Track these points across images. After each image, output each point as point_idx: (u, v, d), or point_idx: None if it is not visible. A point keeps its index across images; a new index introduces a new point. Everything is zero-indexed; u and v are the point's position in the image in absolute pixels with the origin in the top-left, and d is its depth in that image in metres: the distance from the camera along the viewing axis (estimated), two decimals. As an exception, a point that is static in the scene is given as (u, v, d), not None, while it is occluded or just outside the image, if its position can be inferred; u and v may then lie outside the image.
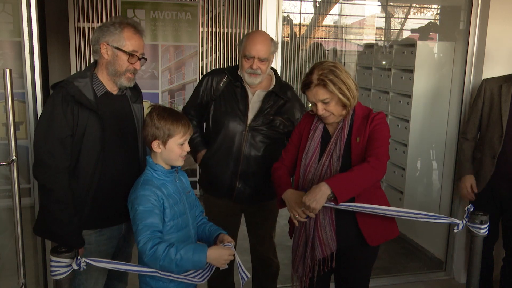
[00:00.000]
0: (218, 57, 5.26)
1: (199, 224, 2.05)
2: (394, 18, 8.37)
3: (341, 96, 2.00)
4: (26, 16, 2.43)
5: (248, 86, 2.49)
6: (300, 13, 7.33)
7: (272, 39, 2.49)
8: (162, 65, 4.95)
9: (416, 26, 4.84)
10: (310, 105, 2.12)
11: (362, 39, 7.40)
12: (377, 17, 7.66)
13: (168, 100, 5.02)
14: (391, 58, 4.32)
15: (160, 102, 4.92)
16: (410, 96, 3.98)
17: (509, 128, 2.82)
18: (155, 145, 1.84)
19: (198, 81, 4.88)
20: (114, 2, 4.80)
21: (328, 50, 7.05)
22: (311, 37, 7.20)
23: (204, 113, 2.59)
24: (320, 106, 2.03)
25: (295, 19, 7.22)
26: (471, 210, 2.07)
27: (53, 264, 1.73)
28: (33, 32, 2.46)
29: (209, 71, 4.93)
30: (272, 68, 2.59)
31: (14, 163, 2.03)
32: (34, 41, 2.47)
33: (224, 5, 5.17)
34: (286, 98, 2.53)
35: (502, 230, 3.02)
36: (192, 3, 4.97)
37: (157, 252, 1.71)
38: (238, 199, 2.53)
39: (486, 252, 2.68)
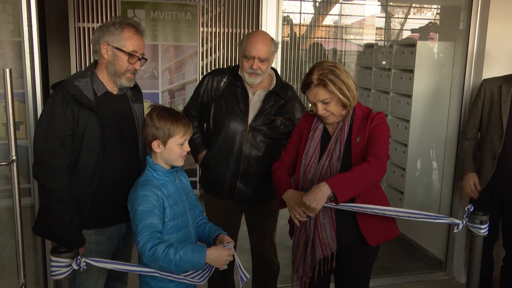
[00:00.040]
0: (218, 57, 5.26)
1: (199, 224, 2.05)
2: (394, 18, 8.37)
3: (341, 96, 2.00)
4: (26, 16, 2.43)
5: (249, 86, 2.49)
6: (300, 13, 7.33)
7: (272, 39, 2.49)
8: (162, 65, 4.95)
9: (416, 26, 4.84)
10: (310, 105, 2.12)
11: (362, 39, 7.40)
12: (377, 17, 7.66)
13: (168, 100, 5.02)
14: (391, 58, 4.32)
15: (160, 102, 4.92)
16: (410, 96, 3.98)
17: (509, 128, 2.82)
18: (155, 145, 1.85)
19: (198, 81, 4.92)
20: (114, 2, 4.81)
21: (328, 50, 7.06)
22: (311, 37, 7.20)
23: (205, 113, 2.59)
24: (320, 106, 2.03)
25: (295, 19, 7.23)
26: (471, 210, 2.07)
27: (53, 264, 1.73)
28: (33, 32, 2.46)
29: (209, 71, 4.93)
30: (272, 68, 2.59)
31: (14, 163, 2.03)
32: (34, 41, 2.47)
33: (224, 5, 5.17)
34: (286, 98, 2.53)
35: (502, 230, 3.02)
36: (192, 3, 4.97)
37: (157, 253, 1.71)
38: (239, 199, 2.53)
39: (486, 252, 2.68)
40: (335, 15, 7.79)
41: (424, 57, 3.94)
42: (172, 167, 1.92)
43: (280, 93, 2.51)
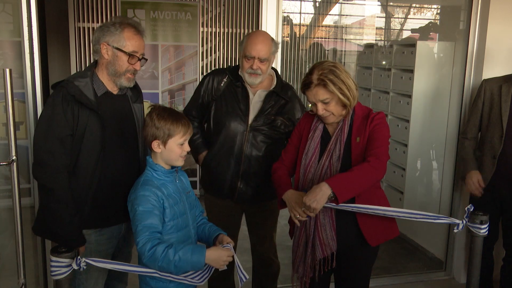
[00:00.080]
0: (218, 57, 5.27)
1: (199, 224, 2.05)
2: (394, 18, 8.37)
3: (341, 96, 2.00)
4: (26, 16, 2.43)
5: (249, 86, 2.49)
6: (300, 13, 7.33)
7: (272, 39, 2.49)
8: (162, 65, 4.95)
9: (416, 26, 4.84)
10: (310, 105, 2.12)
11: (362, 39, 7.40)
12: (377, 17, 7.66)
13: (168, 100, 5.02)
14: (391, 58, 4.32)
15: (160, 102, 4.92)
16: (410, 96, 3.97)
17: (509, 128, 2.82)
18: (155, 145, 1.85)
19: (198, 81, 4.92)
20: (114, 2, 4.81)
21: (328, 50, 7.05)
22: (311, 37, 7.20)
23: (205, 113, 2.59)
24: (320, 106, 2.03)
25: (295, 19, 7.22)
26: (471, 210, 2.07)
27: (53, 264, 1.73)
28: (33, 32, 2.46)
29: (209, 71, 4.92)
30: (273, 68, 2.59)
31: (14, 163, 2.03)
32: (34, 41, 2.47)
33: (224, 5, 5.17)
34: (287, 98, 2.53)
35: (502, 230, 3.02)
36: (192, 3, 4.97)
37: (156, 253, 1.71)
38: (240, 199, 2.53)
39: (486, 252, 2.68)
40: (335, 15, 7.79)
41: (424, 57, 3.94)
42: (172, 167, 1.92)
43: (280, 93, 2.51)
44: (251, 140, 2.46)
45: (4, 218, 2.88)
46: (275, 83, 2.54)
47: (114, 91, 2.08)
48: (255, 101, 2.49)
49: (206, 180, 2.65)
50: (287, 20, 6.80)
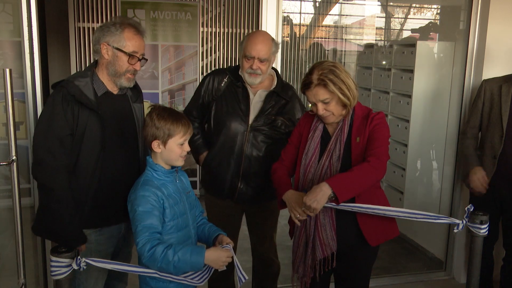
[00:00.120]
0: (218, 57, 5.27)
1: (199, 225, 2.05)
2: (394, 18, 8.37)
3: (341, 96, 2.00)
4: (26, 16, 2.43)
5: (250, 86, 2.49)
6: (300, 13, 7.33)
7: (273, 39, 2.48)
8: (162, 65, 4.95)
9: (416, 26, 4.83)
10: (310, 105, 2.12)
11: (362, 39, 7.40)
12: (377, 17, 7.66)
13: (168, 100, 5.02)
14: (391, 58, 4.32)
15: (160, 102, 4.92)
16: (410, 96, 3.97)
17: (509, 128, 2.82)
18: (155, 145, 1.85)
19: (198, 81, 4.92)
20: (114, 2, 4.81)
21: (328, 50, 7.05)
22: (311, 37, 7.20)
23: (206, 113, 2.59)
24: (320, 106, 2.03)
25: (295, 19, 7.22)
26: (471, 210, 2.07)
27: (53, 264, 1.73)
28: (33, 32, 2.46)
29: (209, 71, 4.92)
30: (273, 68, 2.59)
31: (14, 163, 2.03)
32: (34, 41, 2.47)
33: (224, 5, 5.17)
34: (287, 98, 2.53)
35: (502, 230, 3.02)
36: (192, 3, 4.97)
37: (155, 254, 1.71)
38: (240, 199, 2.53)
39: (486, 252, 2.67)
40: (335, 15, 7.79)
41: (424, 57, 3.94)
42: (172, 167, 1.92)
43: (281, 93, 2.51)
44: (251, 140, 2.46)
45: (4, 218, 2.88)
46: (275, 83, 2.54)
47: (114, 91, 2.08)
48: (256, 101, 2.49)
49: (206, 180, 2.65)
50: (287, 20, 6.80)
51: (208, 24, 5.15)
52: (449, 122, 3.63)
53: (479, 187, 2.92)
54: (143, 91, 2.27)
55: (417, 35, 4.69)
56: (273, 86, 2.53)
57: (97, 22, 4.78)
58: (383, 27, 7.85)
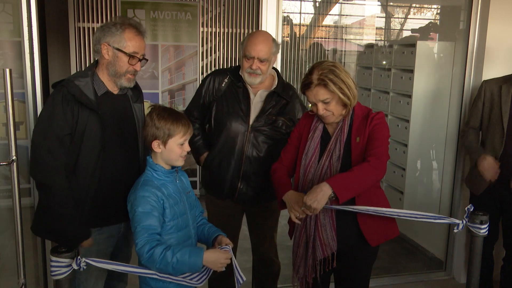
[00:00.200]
0: (218, 57, 5.26)
1: (199, 225, 2.05)
2: (394, 18, 8.37)
3: (341, 96, 2.00)
4: (26, 16, 2.43)
5: (250, 86, 2.49)
6: (300, 13, 7.33)
7: (274, 39, 2.48)
8: (162, 65, 4.95)
9: (416, 26, 4.83)
10: (310, 105, 2.12)
11: (362, 39, 7.40)
12: (377, 17, 7.66)
13: (168, 100, 5.02)
14: (391, 58, 4.32)
15: (160, 102, 4.92)
16: (410, 96, 3.97)
17: (510, 129, 2.81)
18: (155, 145, 1.85)
19: (198, 81, 4.92)
20: (114, 2, 4.81)
21: (328, 50, 7.05)
22: (311, 37, 7.20)
23: (207, 114, 2.58)
24: (320, 106, 2.03)
25: (295, 19, 7.23)
26: (471, 210, 2.07)
27: (53, 264, 1.73)
28: (33, 32, 2.46)
29: (209, 71, 4.92)
30: (274, 68, 2.59)
31: (14, 163, 2.03)
32: (34, 41, 2.47)
33: (224, 5, 5.17)
34: (288, 98, 2.53)
35: (502, 230, 3.02)
36: (192, 3, 4.97)
37: (154, 255, 1.72)
38: (240, 199, 2.53)
39: (486, 252, 2.67)
40: (335, 15, 7.79)
41: (424, 57, 3.94)
42: (172, 167, 1.92)
43: (281, 93, 2.51)
44: (252, 140, 2.46)
45: (4, 218, 2.88)
46: (276, 83, 2.54)
47: (115, 91, 2.08)
48: (256, 101, 2.49)
49: (206, 180, 2.65)
50: (287, 20, 6.80)
51: (208, 24, 5.15)
52: (449, 122, 3.63)
53: (491, 172, 2.81)
54: (143, 91, 2.27)
55: (417, 34, 4.70)
56: (274, 86, 2.52)
57: (97, 22, 4.78)
58: (383, 27, 7.84)
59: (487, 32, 3.22)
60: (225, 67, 5.15)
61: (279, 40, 2.86)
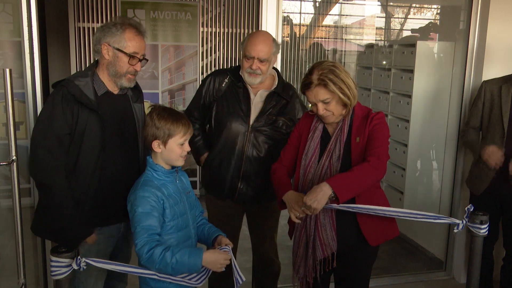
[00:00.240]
0: (218, 57, 5.26)
1: (199, 225, 2.05)
2: (394, 18, 8.37)
3: (341, 95, 2.00)
4: (26, 16, 2.43)
5: (250, 86, 2.49)
6: (300, 13, 7.33)
7: (274, 39, 2.48)
8: (162, 65, 4.95)
9: (416, 26, 4.83)
10: (310, 105, 2.12)
11: (362, 39, 7.40)
12: (377, 17, 7.66)
13: (168, 100, 5.02)
14: (391, 58, 4.32)
15: (160, 102, 4.92)
16: (410, 96, 3.97)
17: (510, 129, 2.81)
18: (156, 145, 1.85)
19: (198, 81, 4.92)
20: (114, 2, 4.81)
21: (328, 50, 7.05)
22: (311, 37, 7.20)
23: (207, 114, 2.58)
24: (320, 106, 2.03)
25: (295, 19, 7.22)
26: (471, 210, 2.07)
27: (53, 264, 1.73)
28: (33, 32, 2.46)
29: (209, 71, 4.92)
30: (274, 68, 2.58)
31: (14, 163, 2.03)
32: (34, 41, 2.47)
33: (224, 5, 5.17)
34: (288, 98, 2.52)
35: (502, 230, 3.02)
36: (192, 3, 4.97)
37: (153, 256, 1.72)
38: (240, 200, 2.53)
39: (486, 252, 2.68)
40: (335, 15, 7.79)
41: (424, 57, 3.94)
42: (173, 167, 1.92)
43: (282, 93, 2.51)
44: (252, 140, 2.46)
45: (4, 218, 2.88)
46: (276, 83, 2.54)
47: (115, 91, 2.08)
48: (256, 101, 2.49)
49: (207, 180, 2.65)
50: (287, 20, 6.80)
51: (208, 24, 5.15)
52: (449, 122, 3.63)
53: (494, 157, 2.75)
54: (143, 91, 2.27)
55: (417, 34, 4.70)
56: (274, 86, 2.52)
57: (97, 22, 4.78)
58: (383, 27, 7.84)
59: (487, 32, 3.22)
60: (225, 67, 5.15)
61: (279, 40, 2.86)
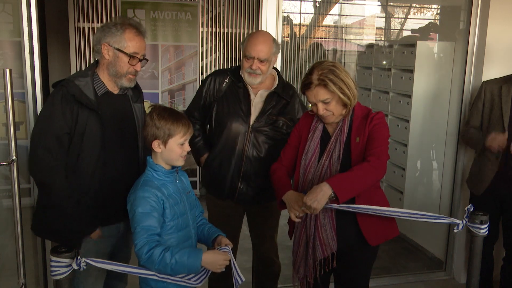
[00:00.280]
0: (218, 57, 5.26)
1: (199, 225, 2.05)
2: (394, 18, 8.36)
3: (341, 95, 2.00)
4: (26, 16, 2.43)
5: (250, 86, 2.48)
6: (300, 13, 7.33)
7: (274, 40, 2.47)
8: (162, 65, 4.95)
9: (416, 26, 4.83)
10: (310, 105, 2.12)
11: (362, 39, 7.40)
12: (377, 17, 7.66)
13: (168, 100, 5.02)
14: (391, 58, 4.32)
15: (160, 102, 4.92)
16: (410, 96, 3.97)
17: (510, 129, 2.81)
18: (156, 145, 1.85)
19: (198, 81, 4.92)
20: (114, 2, 4.81)
21: (328, 50, 7.05)
22: (311, 37, 7.20)
23: (207, 114, 2.58)
24: (320, 106, 2.03)
25: (295, 19, 7.22)
26: (471, 210, 2.07)
27: (53, 264, 1.73)
28: (33, 32, 2.46)
29: (209, 71, 4.92)
30: (274, 68, 2.58)
31: (14, 163, 2.03)
32: (34, 41, 2.47)
33: (224, 5, 5.17)
34: (288, 98, 2.52)
35: (502, 230, 3.02)
36: (192, 3, 4.96)
37: (153, 256, 1.72)
38: (240, 200, 2.53)
39: (486, 252, 2.68)
40: (335, 15, 7.79)
41: (424, 57, 3.94)
42: (173, 167, 1.92)
43: (282, 93, 2.51)
44: (252, 140, 2.46)
45: (4, 218, 2.88)
46: (276, 83, 2.54)
47: (115, 91, 2.08)
48: (257, 101, 2.49)
49: (207, 180, 2.65)
50: (287, 20, 6.80)
51: (208, 24, 5.15)
52: (449, 122, 3.63)
53: (498, 140, 2.72)
54: (143, 91, 2.27)
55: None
56: (274, 86, 2.52)
57: (97, 22, 4.78)
58: (383, 27, 7.84)
59: (487, 32, 3.22)
60: (225, 67, 5.15)
61: (279, 40, 2.86)
